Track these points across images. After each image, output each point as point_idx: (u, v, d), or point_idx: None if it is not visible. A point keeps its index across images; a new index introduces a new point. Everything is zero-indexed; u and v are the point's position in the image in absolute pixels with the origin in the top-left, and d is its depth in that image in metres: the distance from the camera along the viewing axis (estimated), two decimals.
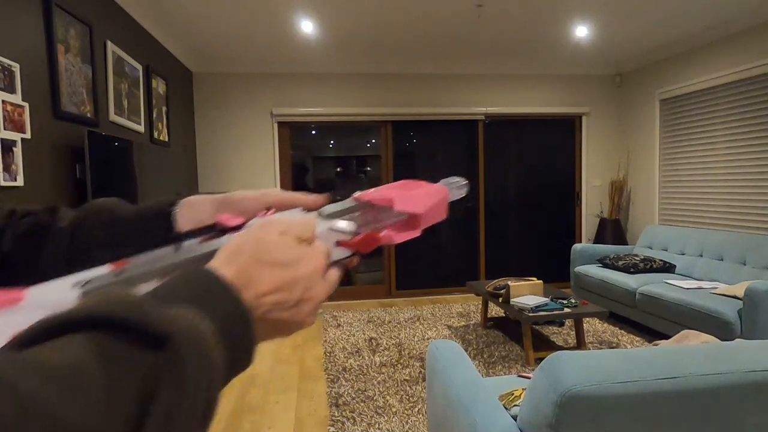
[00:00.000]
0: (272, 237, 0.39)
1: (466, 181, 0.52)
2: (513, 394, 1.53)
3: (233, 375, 0.34)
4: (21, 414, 0.21)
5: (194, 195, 0.53)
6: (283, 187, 5.20)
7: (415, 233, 0.47)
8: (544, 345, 3.66)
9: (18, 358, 0.24)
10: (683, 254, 4.31)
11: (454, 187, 0.52)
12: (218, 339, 0.31)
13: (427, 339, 3.89)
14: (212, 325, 0.31)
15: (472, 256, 5.60)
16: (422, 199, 0.48)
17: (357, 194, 0.47)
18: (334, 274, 0.43)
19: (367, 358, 3.49)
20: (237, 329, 0.33)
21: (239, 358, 0.34)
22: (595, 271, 4.40)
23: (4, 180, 1.93)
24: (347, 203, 0.47)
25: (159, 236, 0.48)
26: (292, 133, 5.24)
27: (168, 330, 0.27)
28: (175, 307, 0.30)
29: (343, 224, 0.44)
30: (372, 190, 0.48)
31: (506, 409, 1.42)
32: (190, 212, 0.52)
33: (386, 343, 3.79)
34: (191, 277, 0.34)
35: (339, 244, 0.44)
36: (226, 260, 0.37)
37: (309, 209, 0.48)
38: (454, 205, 0.54)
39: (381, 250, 5.44)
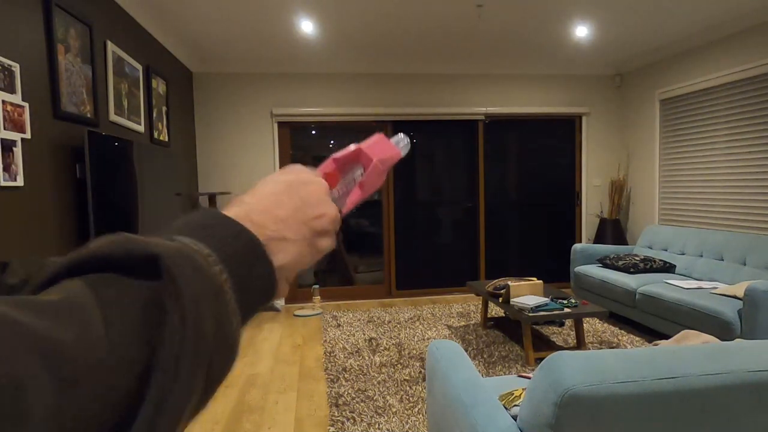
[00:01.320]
0: (273, 175, 0.42)
1: (408, 139, 0.56)
2: (513, 394, 1.53)
3: (255, 303, 0.34)
4: (9, 337, 0.20)
5: None
6: None
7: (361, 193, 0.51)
8: (544, 345, 3.66)
9: (20, 301, 0.23)
10: (683, 254, 4.31)
11: (402, 145, 0.55)
12: (216, 259, 0.31)
13: (427, 339, 3.89)
14: (206, 248, 0.31)
15: (472, 256, 5.60)
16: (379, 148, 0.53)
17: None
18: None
19: (367, 358, 3.49)
20: (240, 251, 0.33)
21: (253, 284, 0.34)
22: (595, 271, 4.40)
23: (4, 180, 1.93)
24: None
25: None
26: (292, 133, 5.24)
27: (153, 252, 0.27)
28: (164, 239, 0.30)
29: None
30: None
31: (506, 409, 1.42)
32: None
33: (386, 343, 3.79)
34: (190, 217, 0.35)
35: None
36: (236, 202, 0.39)
37: None
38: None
39: (381, 251, 5.44)
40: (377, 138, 0.54)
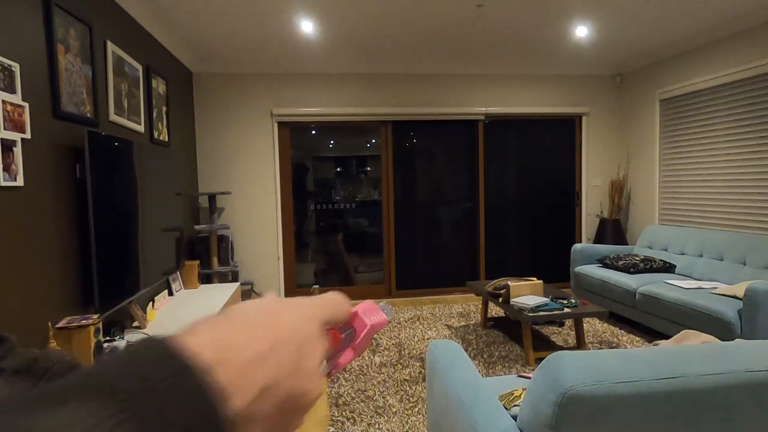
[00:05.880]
0: (245, 304, 0.31)
1: (391, 308, 0.57)
2: (513, 394, 1.53)
3: None
4: None
5: None
6: (283, 186, 5.20)
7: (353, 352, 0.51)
8: (544, 345, 3.66)
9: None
10: (683, 254, 4.31)
11: (387, 311, 0.58)
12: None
13: (427, 339, 3.89)
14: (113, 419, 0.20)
15: (472, 256, 5.60)
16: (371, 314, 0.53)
17: None
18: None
19: (367, 358, 3.49)
20: (186, 411, 0.22)
21: None
22: (595, 271, 4.40)
23: (4, 180, 1.93)
24: None
25: None
26: (292, 133, 5.24)
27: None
28: (72, 403, 0.20)
29: None
30: None
31: (506, 409, 1.42)
32: None
33: (386, 343, 3.79)
34: (133, 351, 0.24)
35: None
36: (191, 329, 0.26)
37: None
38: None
39: (381, 251, 5.44)
40: (367, 304, 0.55)
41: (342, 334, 0.51)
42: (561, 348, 3.60)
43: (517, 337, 3.83)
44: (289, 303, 0.32)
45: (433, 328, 4.19)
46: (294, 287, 5.31)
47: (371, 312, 0.55)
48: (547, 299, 3.41)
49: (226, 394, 0.24)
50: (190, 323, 0.27)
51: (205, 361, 0.24)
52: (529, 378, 1.95)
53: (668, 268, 4.21)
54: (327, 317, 0.35)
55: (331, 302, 0.36)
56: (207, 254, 4.65)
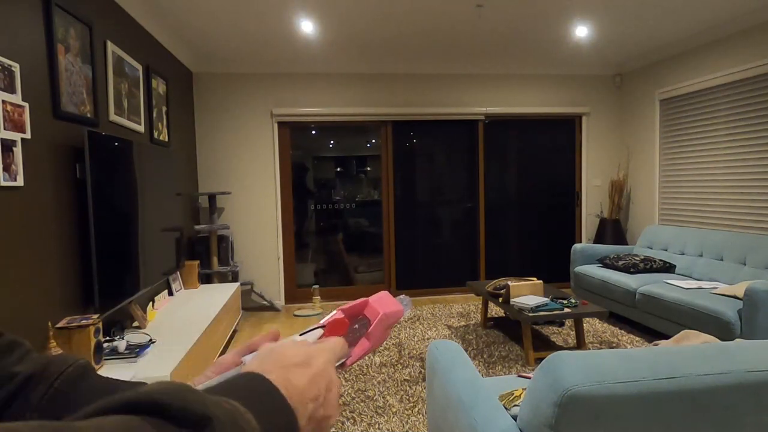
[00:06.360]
0: (282, 347, 0.43)
1: (410, 300, 0.59)
2: (513, 394, 1.53)
3: None
4: None
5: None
6: (284, 186, 5.20)
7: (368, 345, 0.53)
8: (544, 345, 3.66)
9: (66, 425, 0.24)
10: (683, 254, 4.31)
11: (405, 303, 0.58)
12: (260, 428, 0.32)
13: (427, 339, 3.89)
14: (254, 419, 0.32)
15: (472, 256, 5.60)
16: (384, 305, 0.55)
17: (323, 320, 0.54)
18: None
19: (367, 358, 3.49)
20: (281, 423, 0.35)
21: None
22: (595, 271, 4.40)
23: (4, 180, 1.93)
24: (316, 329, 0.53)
25: None
26: (292, 133, 5.24)
27: (208, 414, 0.28)
28: (221, 399, 0.31)
29: (312, 331, 0.52)
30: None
31: (506, 409, 1.42)
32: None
33: (386, 343, 3.79)
34: (239, 378, 0.36)
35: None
36: (258, 366, 0.40)
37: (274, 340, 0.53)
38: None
39: (381, 251, 5.44)
40: (382, 294, 0.56)
41: (354, 324, 0.51)
42: (561, 348, 3.60)
43: (517, 337, 3.83)
44: (315, 349, 0.45)
45: (433, 328, 4.19)
46: (294, 287, 5.31)
47: (386, 302, 0.55)
48: (547, 299, 3.41)
49: (294, 411, 0.37)
50: (253, 360, 0.42)
51: (281, 386, 0.37)
52: (529, 378, 1.95)
53: (668, 268, 4.21)
54: (337, 358, 0.47)
55: (341, 347, 0.48)
56: (207, 254, 4.65)
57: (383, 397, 2.83)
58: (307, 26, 3.98)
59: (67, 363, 0.46)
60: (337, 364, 0.48)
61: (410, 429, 2.46)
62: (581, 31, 4.29)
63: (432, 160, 5.50)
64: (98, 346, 2.21)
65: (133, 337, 2.66)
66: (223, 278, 4.68)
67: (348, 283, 5.48)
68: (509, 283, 3.58)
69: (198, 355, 2.71)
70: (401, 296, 0.61)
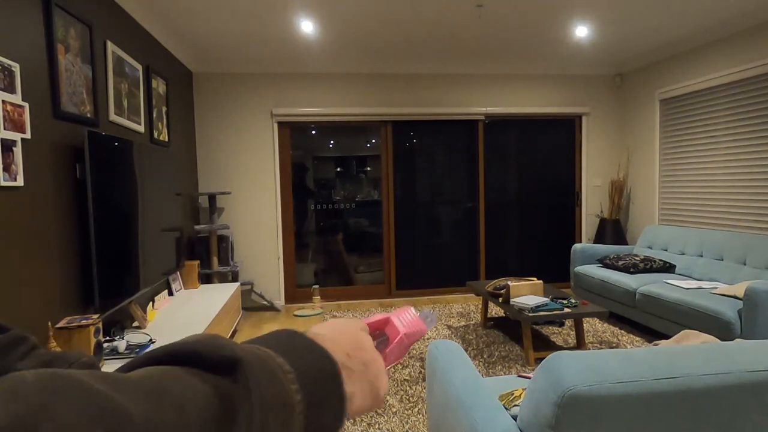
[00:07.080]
0: (339, 320, 0.47)
1: (434, 315, 0.59)
2: (513, 394, 1.53)
3: (323, 428, 0.36)
4: (91, 405, 0.21)
5: None
6: (283, 186, 5.20)
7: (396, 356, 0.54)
8: (544, 345, 3.66)
9: (101, 374, 0.25)
10: (683, 254, 4.31)
11: (429, 320, 0.58)
12: (294, 378, 0.34)
13: (427, 339, 3.89)
14: (287, 365, 0.34)
15: (472, 256, 5.60)
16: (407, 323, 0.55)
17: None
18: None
19: None
20: (319, 378, 0.36)
21: (324, 410, 0.36)
22: (595, 271, 4.40)
23: (4, 180, 1.93)
24: None
25: None
26: (292, 133, 5.24)
27: (237, 356, 0.31)
28: (254, 346, 0.34)
29: None
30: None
31: (506, 409, 1.42)
32: None
33: None
34: (278, 333, 0.39)
35: None
36: (316, 328, 0.45)
37: None
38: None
39: (381, 251, 5.44)
40: (406, 310, 0.56)
41: (374, 341, 0.51)
42: (561, 348, 3.60)
43: (517, 337, 3.83)
44: (349, 321, 0.49)
45: (433, 328, 4.19)
46: (294, 287, 5.31)
47: (408, 320, 0.54)
48: (547, 299, 3.41)
49: (331, 354, 0.39)
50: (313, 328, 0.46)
51: (318, 338, 0.40)
52: (529, 378, 1.95)
53: (668, 268, 4.21)
54: (364, 327, 0.51)
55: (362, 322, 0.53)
56: (207, 254, 4.65)
57: None
58: (307, 26, 3.98)
59: (71, 360, 0.46)
60: None
61: (410, 429, 2.46)
62: (581, 31, 4.29)
63: (432, 160, 5.50)
64: (98, 346, 2.21)
65: (133, 337, 2.66)
66: (223, 278, 4.68)
67: (348, 283, 5.48)
68: (509, 283, 3.58)
69: None
70: (426, 310, 0.60)
